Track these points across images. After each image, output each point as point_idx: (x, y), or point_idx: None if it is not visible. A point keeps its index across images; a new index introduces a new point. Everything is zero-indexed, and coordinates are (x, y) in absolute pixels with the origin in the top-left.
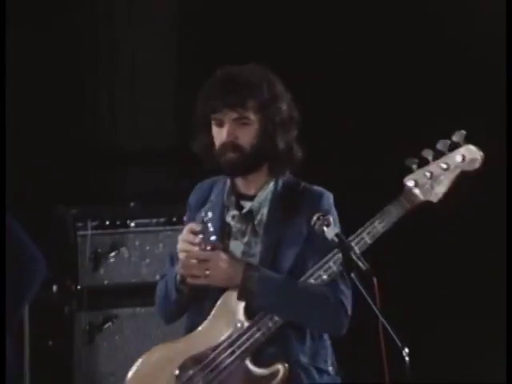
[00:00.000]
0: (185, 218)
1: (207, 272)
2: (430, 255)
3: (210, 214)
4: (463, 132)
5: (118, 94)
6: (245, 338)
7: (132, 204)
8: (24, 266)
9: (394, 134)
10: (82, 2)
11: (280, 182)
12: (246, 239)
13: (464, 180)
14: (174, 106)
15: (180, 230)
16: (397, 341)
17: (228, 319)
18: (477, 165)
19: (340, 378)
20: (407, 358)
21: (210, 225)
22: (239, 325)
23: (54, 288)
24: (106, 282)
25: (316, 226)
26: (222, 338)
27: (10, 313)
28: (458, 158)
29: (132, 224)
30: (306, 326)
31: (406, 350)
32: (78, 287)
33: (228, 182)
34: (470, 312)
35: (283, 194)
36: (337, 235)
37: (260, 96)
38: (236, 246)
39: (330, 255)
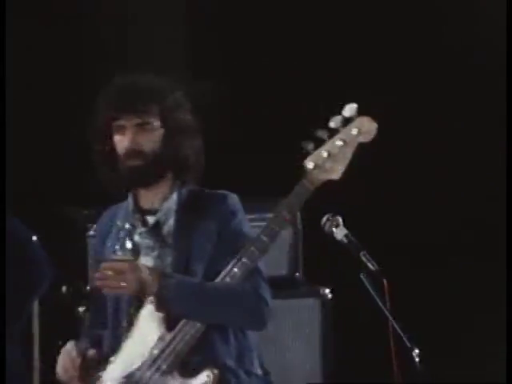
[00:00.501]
0: (91, 249)
1: (122, 283)
2: (440, 255)
3: (127, 226)
4: (354, 105)
5: None
6: (168, 351)
7: None
8: (30, 268)
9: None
10: None
11: (184, 192)
12: (155, 253)
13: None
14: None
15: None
16: (406, 342)
17: (150, 333)
18: (372, 135)
19: (270, 380)
20: (417, 359)
21: (125, 238)
22: (160, 338)
23: (64, 289)
24: None
25: (326, 227)
26: (146, 353)
27: (16, 314)
28: (354, 132)
29: None
30: (227, 325)
31: (416, 350)
32: (88, 288)
33: (131, 201)
34: (479, 312)
35: (188, 202)
36: (346, 236)
37: (163, 101)
38: (147, 262)
39: (242, 251)
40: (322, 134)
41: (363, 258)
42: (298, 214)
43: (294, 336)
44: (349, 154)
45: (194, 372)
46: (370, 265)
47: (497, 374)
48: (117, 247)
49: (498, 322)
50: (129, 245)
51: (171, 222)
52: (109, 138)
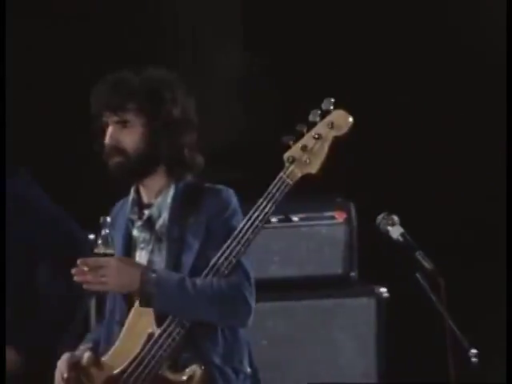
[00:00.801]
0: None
1: (103, 279)
2: (498, 255)
3: (108, 219)
4: (331, 99)
5: None
6: (157, 346)
7: None
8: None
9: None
10: None
11: (180, 186)
12: (150, 247)
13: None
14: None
15: None
16: (463, 341)
17: (140, 330)
18: (346, 128)
19: (258, 378)
20: (474, 359)
21: (107, 235)
22: (150, 334)
23: None
24: None
25: (381, 226)
26: (137, 350)
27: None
28: (327, 125)
29: None
30: (208, 322)
31: (473, 350)
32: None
33: (132, 194)
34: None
35: (184, 196)
36: (402, 235)
37: (140, 99)
38: (141, 256)
39: (225, 246)
40: (300, 127)
41: (419, 257)
42: (354, 212)
43: (348, 335)
44: (325, 147)
45: (182, 368)
46: (425, 264)
47: (497, 373)
48: (99, 241)
49: (497, 322)
50: (109, 238)
51: (165, 215)
52: (101, 135)
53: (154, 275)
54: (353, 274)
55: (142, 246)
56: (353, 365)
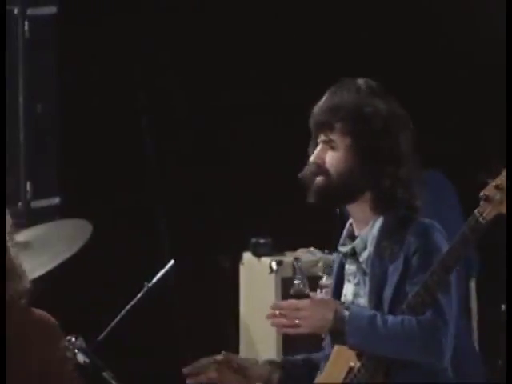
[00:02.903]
0: None
1: (297, 321)
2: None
3: (299, 263)
4: None
5: None
6: (356, 380)
7: None
8: None
9: None
10: None
11: (389, 218)
12: (356, 280)
13: None
14: None
15: None
16: None
17: (343, 363)
18: None
19: None
20: None
21: (302, 275)
22: (351, 368)
23: None
24: None
25: None
26: (339, 381)
27: None
28: None
29: None
30: (402, 359)
31: None
32: None
33: (347, 225)
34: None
35: (390, 228)
36: None
37: (348, 120)
38: (348, 289)
39: (424, 283)
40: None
41: None
42: None
43: None
44: None
45: None
46: None
47: (497, 374)
48: (295, 281)
49: (497, 322)
50: (304, 279)
51: (370, 248)
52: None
53: (346, 313)
54: None
55: (350, 278)
56: None
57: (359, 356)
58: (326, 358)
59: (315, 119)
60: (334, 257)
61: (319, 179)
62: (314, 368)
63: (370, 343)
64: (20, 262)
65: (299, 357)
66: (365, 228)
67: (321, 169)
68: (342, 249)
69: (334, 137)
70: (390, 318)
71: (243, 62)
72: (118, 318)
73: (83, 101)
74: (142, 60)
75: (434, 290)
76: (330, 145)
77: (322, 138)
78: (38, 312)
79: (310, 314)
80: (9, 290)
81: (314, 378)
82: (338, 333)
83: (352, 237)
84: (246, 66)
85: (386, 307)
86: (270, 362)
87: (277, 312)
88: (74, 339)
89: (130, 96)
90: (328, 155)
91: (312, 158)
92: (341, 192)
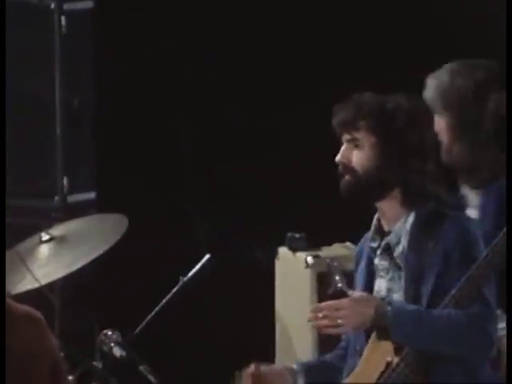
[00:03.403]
0: None
1: (339, 321)
2: None
3: (335, 263)
4: None
5: None
6: (395, 375)
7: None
8: None
9: None
10: None
11: (422, 212)
12: (389, 275)
13: None
14: None
15: None
16: None
17: (378, 358)
18: None
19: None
20: None
21: (336, 272)
22: (388, 363)
23: None
24: None
25: None
26: (374, 378)
27: None
28: None
29: None
30: (446, 354)
31: None
32: None
33: (374, 221)
34: None
35: (424, 223)
36: None
37: (371, 118)
38: (381, 284)
39: (467, 277)
40: None
41: None
42: None
43: None
44: None
45: None
46: None
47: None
48: (336, 279)
49: None
50: (342, 278)
51: (404, 243)
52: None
53: (389, 308)
54: None
55: (382, 274)
56: None
57: (397, 351)
58: (352, 353)
59: (338, 118)
60: (355, 253)
61: (347, 178)
62: (331, 369)
63: (417, 338)
64: None
65: (315, 361)
66: (395, 223)
67: (348, 168)
68: (374, 244)
69: (358, 135)
70: (435, 311)
71: (280, 60)
72: (154, 312)
73: (120, 96)
74: (180, 56)
75: (480, 283)
76: (354, 143)
77: (346, 136)
78: (23, 307)
79: (351, 312)
80: None
81: (332, 379)
82: (381, 329)
83: (380, 232)
84: (284, 63)
85: (424, 302)
86: (291, 370)
87: (319, 314)
88: (110, 333)
89: (168, 94)
90: (354, 154)
91: (338, 158)
92: (370, 190)
